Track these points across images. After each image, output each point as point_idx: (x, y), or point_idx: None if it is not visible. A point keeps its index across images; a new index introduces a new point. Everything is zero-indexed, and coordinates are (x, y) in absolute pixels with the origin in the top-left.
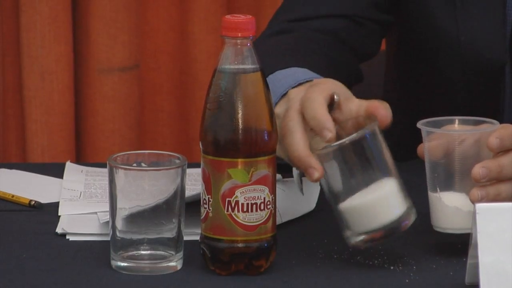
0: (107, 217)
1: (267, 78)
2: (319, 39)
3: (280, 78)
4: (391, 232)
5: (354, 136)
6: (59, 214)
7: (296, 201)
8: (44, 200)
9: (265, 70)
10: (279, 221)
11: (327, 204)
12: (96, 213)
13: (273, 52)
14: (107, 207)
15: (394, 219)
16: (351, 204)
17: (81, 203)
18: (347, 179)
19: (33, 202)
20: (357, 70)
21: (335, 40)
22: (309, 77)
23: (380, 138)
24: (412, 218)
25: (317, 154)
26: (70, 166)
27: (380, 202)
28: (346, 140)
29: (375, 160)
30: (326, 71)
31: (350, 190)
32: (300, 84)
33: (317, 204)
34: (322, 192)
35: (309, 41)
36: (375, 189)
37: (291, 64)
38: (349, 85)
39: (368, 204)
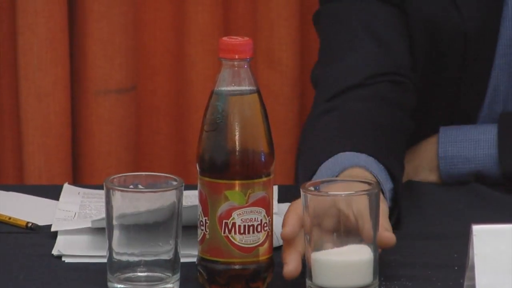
0: (98, 223)
1: (321, 166)
2: (364, 109)
3: (327, 167)
4: None
5: (359, 191)
6: (51, 230)
7: None
8: (41, 222)
9: (315, 159)
10: (276, 243)
11: None
12: (90, 225)
13: (318, 139)
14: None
15: (363, 285)
16: (329, 257)
17: (76, 221)
18: (333, 230)
19: (30, 224)
20: (409, 123)
21: (380, 103)
22: (352, 164)
23: (379, 202)
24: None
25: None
26: (67, 188)
27: (359, 266)
28: (351, 192)
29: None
30: (374, 145)
31: (330, 242)
32: (345, 169)
33: None
34: None
35: (353, 116)
36: (357, 251)
37: (337, 151)
38: (405, 142)
39: (348, 264)
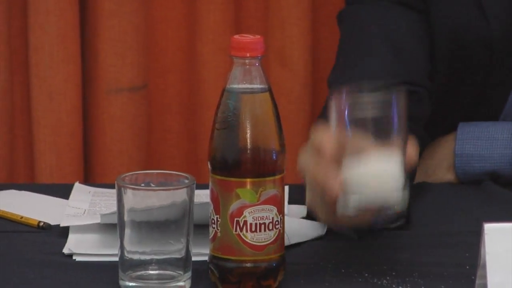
0: (107, 218)
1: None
2: None
3: None
4: (385, 208)
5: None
6: (60, 226)
7: (302, 225)
8: (52, 221)
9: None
10: (287, 242)
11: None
12: (99, 220)
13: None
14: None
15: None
16: (357, 170)
17: (85, 217)
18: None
19: (42, 223)
20: (419, 134)
21: None
22: None
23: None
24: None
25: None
26: (78, 187)
27: (388, 175)
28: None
29: (395, 126)
30: None
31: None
32: None
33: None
34: None
35: None
36: (386, 160)
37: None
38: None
39: (376, 173)
